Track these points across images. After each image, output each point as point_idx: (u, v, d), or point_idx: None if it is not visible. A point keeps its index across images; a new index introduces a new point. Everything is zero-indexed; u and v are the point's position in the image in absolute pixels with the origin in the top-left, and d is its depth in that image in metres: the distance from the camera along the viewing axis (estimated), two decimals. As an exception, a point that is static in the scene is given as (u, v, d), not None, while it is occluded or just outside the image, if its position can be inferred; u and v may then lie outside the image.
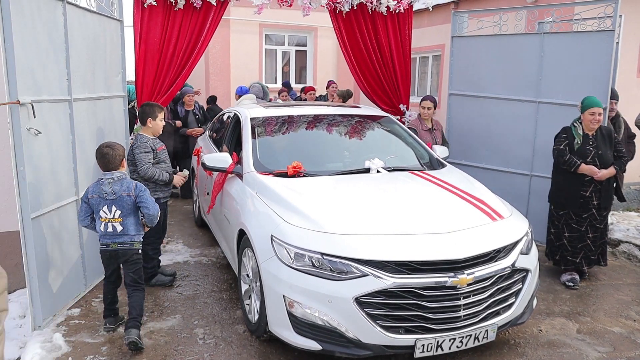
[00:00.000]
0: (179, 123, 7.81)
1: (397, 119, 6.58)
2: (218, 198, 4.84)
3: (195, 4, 5.65)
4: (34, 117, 3.62)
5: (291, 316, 3.23)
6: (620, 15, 5.98)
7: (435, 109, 6.10)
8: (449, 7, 9.29)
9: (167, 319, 4.09)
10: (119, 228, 3.67)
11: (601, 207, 4.72)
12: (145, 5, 5.46)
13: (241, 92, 8.82)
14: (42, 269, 3.84)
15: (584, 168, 4.63)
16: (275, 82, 13.67)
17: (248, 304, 3.85)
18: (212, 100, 9.68)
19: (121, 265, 3.84)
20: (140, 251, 3.81)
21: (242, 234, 3.92)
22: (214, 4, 5.72)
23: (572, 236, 4.78)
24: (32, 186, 3.67)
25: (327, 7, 6.28)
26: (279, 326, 3.32)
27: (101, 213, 3.66)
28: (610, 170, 4.65)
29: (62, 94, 4.07)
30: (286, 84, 10.94)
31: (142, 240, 3.82)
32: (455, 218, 3.52)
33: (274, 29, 13.59)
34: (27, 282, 3.75)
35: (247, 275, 3.86)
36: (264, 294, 3.40)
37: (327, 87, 9.40)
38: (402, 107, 6.86)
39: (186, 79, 6.05)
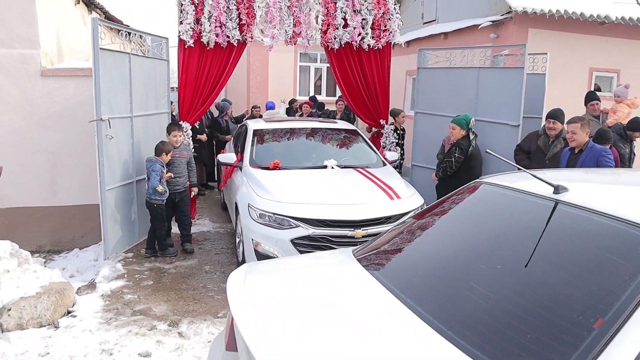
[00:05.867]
0: (203, 137, 9.48)
1: (378, 131, 8.60)
2: (228, 183, 6.97)
3: (222, 45, 7.80)
4: (110, 127, 5.86)
5: (256, 252, 5.26)
6: (546, 53, 7.71)
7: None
8: (440, 37, 11.11)
9: (188, 260, 6.25)
10: (145, 187, 6.13)
11: None
12: (185, 46, 7.66)
13: (267, 107, 11.24)
14: (111, 223, 6.08)
15: None
16: (308, 95, 15.74)
17: (239, 250, 5.92)
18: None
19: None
20: (154, 206, 6.11)
21: (236, 205, 6.00)
22: (236, 45, 7.86)
23: None
24: (107, 170, 5.90)
25: (321, 46, 8.30)
26: (250, 259, 5.36)
27: None
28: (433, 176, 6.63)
29: (126, 112, 6.31)
30: (312, 99, 12.89)
31: (157, 199, 6.06)
32: (364, 196, 5.46)
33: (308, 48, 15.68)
34: (102, 230, 5.98)
35: (239, 233, 5.93)
36: (243, 240, 5.46)
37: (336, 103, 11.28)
38: (382, 121, 8.77)
39: (215, 99, 8.22)
